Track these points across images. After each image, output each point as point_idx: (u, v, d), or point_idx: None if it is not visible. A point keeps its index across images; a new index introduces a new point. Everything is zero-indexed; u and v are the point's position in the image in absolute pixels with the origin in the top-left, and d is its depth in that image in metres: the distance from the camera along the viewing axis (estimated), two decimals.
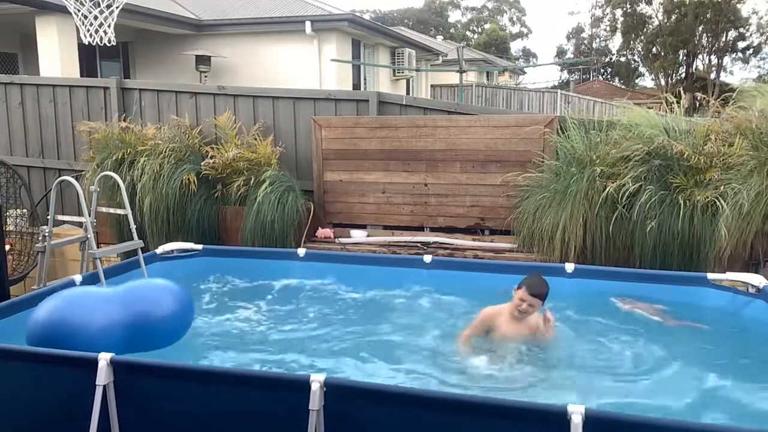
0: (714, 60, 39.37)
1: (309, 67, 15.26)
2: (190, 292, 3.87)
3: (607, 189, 5.12)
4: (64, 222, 6.44)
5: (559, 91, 25.69)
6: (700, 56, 39.66)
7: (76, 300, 3.40)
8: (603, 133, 5.54)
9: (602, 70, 51.35)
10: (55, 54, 11.69)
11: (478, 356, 3.78)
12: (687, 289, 4.45)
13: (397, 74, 19.36)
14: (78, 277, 4.28)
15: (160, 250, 5.18)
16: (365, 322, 4.40)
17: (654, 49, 40.62)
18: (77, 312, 3.29)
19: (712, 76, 38.25)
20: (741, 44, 39.89)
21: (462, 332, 3.98)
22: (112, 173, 5.24)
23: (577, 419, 2.34)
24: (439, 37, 38.29)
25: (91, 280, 4.30)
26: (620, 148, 5.31)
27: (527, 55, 63.87)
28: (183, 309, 3.63)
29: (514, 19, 63.77)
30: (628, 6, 40.58)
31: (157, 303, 3.51)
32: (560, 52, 57.82)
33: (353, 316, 4.52)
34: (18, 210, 6.79)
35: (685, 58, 40.08)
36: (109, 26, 7.36)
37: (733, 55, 40.66)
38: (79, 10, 7.26)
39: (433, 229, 6.34)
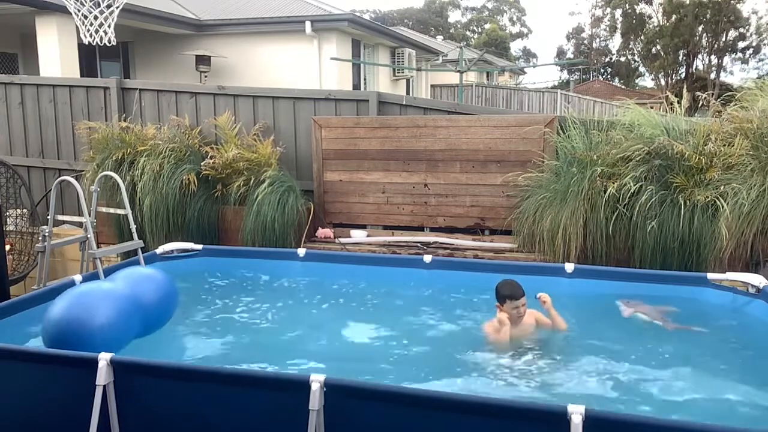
0: (714, 60, 39.39)
1: (309, 67, 15.25)
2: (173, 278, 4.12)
3: (609, 190, 5.11)
4: (64, 222, 6.44)
5: (559, 91, 25.70)
6: (700, 56, 39.68)
7: (86, 296, 3.52)
8: (603, 133, 5.54)
9: (602, 70, 51.34)
10: (55, 54, 11.69)
11: (480, 355, 3.79)
12: (687, 289, 4.44)
13: (397, 74, 19.36)
14: (78, 277, 4.28)
15: (160, 250, 5.18)
16: (365, 322, 4.39)
17: (654, 49, 40.63)
18: (90, 307, 3.41)
19: (712, 76, 38.26)
20: (741, 44, 39.93)
21: (499, 336, 3.95)
22: (112, 173, 5.25)
23: (577, 419, 2.34)
24: (439, 37, 38.30)
25: (90, 280, 4.29)
26: (621, 148, 5.30)
27: (527, 55, 63.87)
28: (173, 290, 3.95)
29: (514, 19, 63.80)
30: (627, 6, 40.57)
31: (154, 287, 3.81)
32: (560, 53, 57.82)
33: (353, 316, 4.52)
34: (18, 210, 6.78)
35: (685, 58, 40.08)
36: (109, 26, 7.35)
37: (733, 55, 40.71)
38: (79, 10, 7.26)
39: (433, 229, 6.34)
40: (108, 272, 4.32)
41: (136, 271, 4.03)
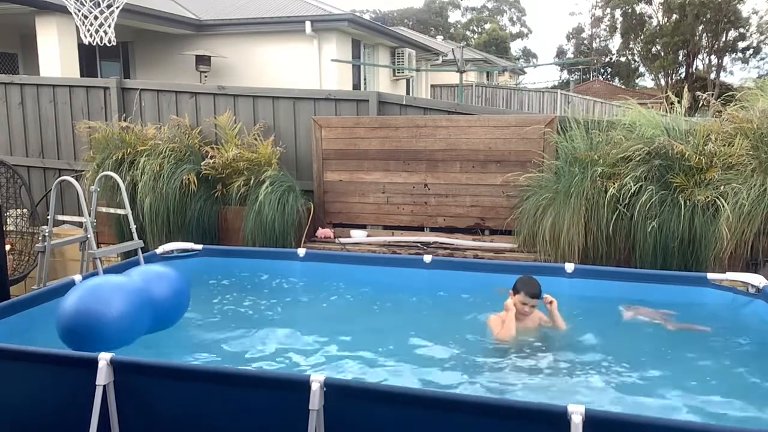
0: (714, 60, 39.36)
1: (309, 67, 15.26)
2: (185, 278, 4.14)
3: (609, 191, 5.11)
4: (64, 222, 6.44)
5: (559, 91, 25.68)
6: (700, 56, 39.65)
7: (101, 289, 3.57)
8: (603, 133, 5.54)
9: (602, 70, 51.31)
10: (55, 54, 11.69)
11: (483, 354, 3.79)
12: (687, 289, 4.44)
13: (397, 74, 19.36)
14: (78, 277, 4.27)
15: (160, 250, 5.18)
16: (365, 322, 4.39)
17: (654, 49, 40.60)
18: (104, 299, 3.47)
19: (712, 76, 38.23)
20: (741, 44, 39.89)
21: (503, 330, 3.96)
22: (112, 173, 5.25)
23: (577, 419, 2.34)
24: (439, 37, 38.30)
25: None
26: (621, 148, 5.30)
27: (527, 55, 63.88)
28: (185, 288, 4.00)
29: (514, 19, 63.86)
30: (627, 6, 40.53)
31: (168, 284, 3.86)
32: (560, 52, 57.80)
33: (353, 316, 4.52)
34: (18, 210, 6.79)
35: (685, 58, 40.05)
36: (109, 26, 7.36)
37: (733, 55, 40.66)
38: (79, 10, 7.26)
39: (433, 229, 6.34)
40: (111, 271, 4.35)
41: (150, 268, 4.09)
